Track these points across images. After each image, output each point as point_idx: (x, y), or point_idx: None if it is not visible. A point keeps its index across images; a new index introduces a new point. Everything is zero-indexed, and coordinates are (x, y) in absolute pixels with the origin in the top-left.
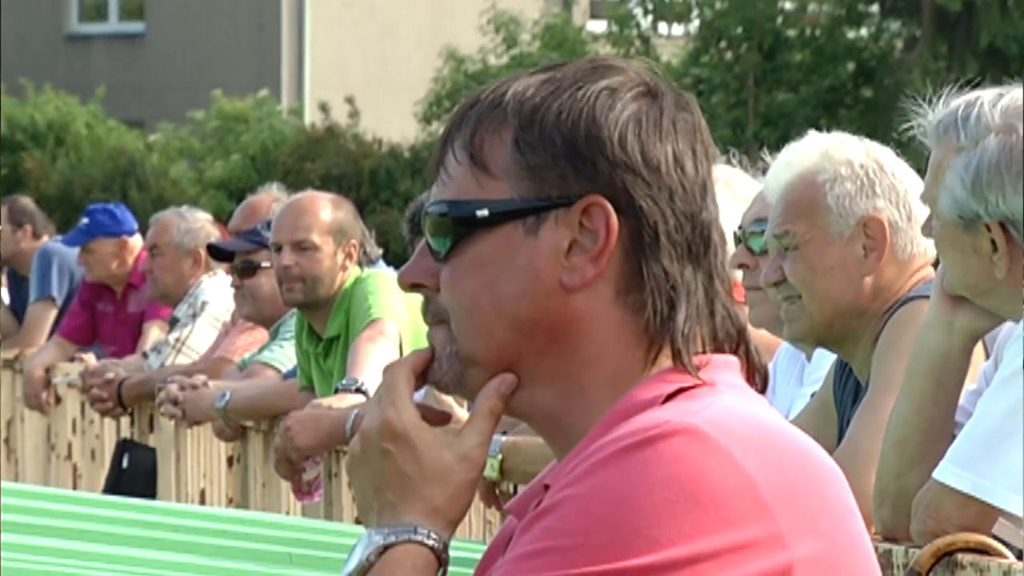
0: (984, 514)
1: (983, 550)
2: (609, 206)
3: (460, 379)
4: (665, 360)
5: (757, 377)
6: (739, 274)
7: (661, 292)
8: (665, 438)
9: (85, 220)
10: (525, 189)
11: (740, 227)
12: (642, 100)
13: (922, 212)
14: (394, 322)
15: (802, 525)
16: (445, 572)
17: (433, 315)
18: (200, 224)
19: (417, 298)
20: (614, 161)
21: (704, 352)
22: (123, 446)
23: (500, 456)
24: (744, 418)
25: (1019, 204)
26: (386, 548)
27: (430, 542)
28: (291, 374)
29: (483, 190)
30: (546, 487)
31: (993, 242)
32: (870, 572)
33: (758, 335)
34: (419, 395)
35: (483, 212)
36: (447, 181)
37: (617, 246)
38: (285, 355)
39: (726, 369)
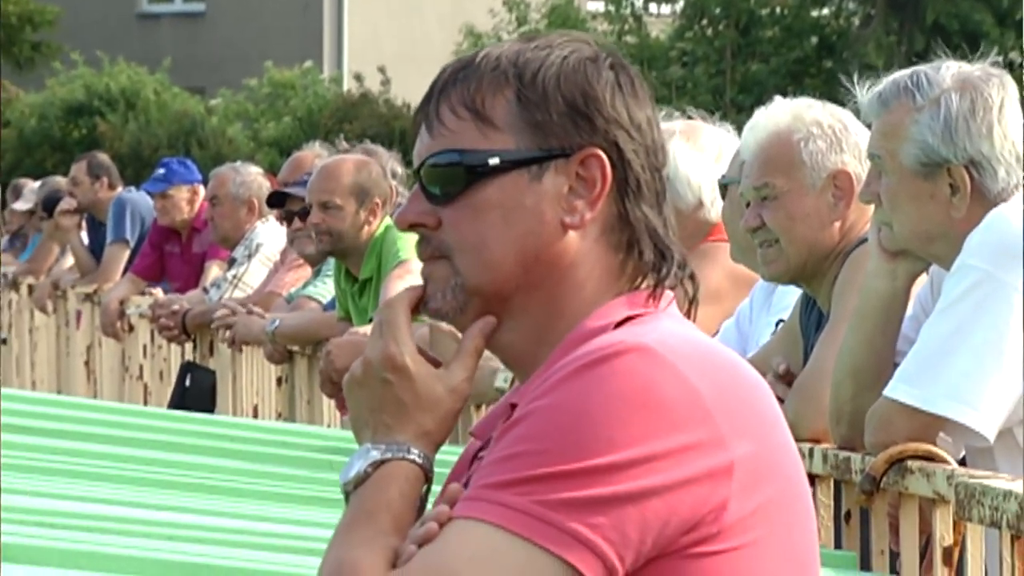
0: (929, 425)
1: (929, 457)
2: (604, 157)
3: (462, 308)
4: (617, 297)
5: (693, 308)
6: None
7: (641, 233)
8: (620, 355)
9: (161, 170)
10: (528, 141)
11: (723, 176)
12: (616, 69)
13: None
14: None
15: (739, 429)
16: (430, 487)
17: (433, 251)
18: (252, 177)
19: None
20: (608, 118)
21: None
22: (186, 368)
23: None
24: (686, 339)
25: (984, 146)
26: (382, 463)
27: (420, 460)
28: (331, 306)
29: (489, 141)
30: (512, 406)
31: (952, 186)
32: (797, 473)
33: (719, 267)
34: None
35: (494, 160)
36: (447, 134)
37: (605, 191)
38: (327, 290)
39: (666, 300)
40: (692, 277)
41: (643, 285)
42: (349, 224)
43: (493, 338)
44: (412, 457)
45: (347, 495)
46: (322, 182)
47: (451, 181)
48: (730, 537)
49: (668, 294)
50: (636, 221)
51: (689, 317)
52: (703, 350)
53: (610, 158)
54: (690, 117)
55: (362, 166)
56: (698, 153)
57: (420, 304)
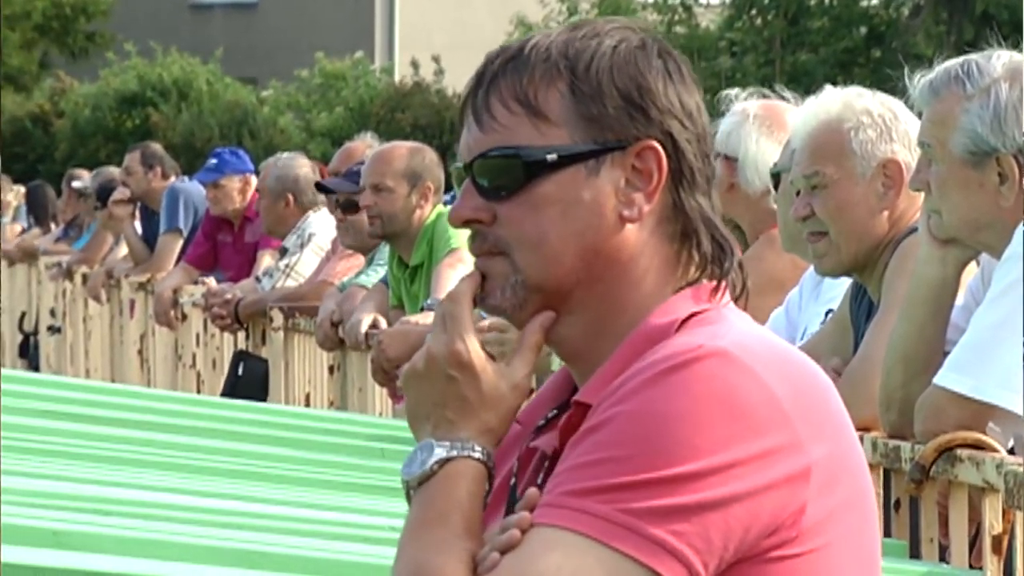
0: (979, 413)
1: (979, 446)
2: (660, 149)
3: (522, 305)
4: (680, 291)
5: (744, 297)
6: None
7: (697, 222)
8: (700, 360)
9: (214, 160)
10: (583, 134)
11: (775, 164)
12: (664, 56)
13: None
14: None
15: (814, 432)
16: (492, 482)
17: (491, 247)
18: (290, 170)
19: None
20: (662, 109)
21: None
22: (239, 356)
23: None
24: (761, 340)
25: (1021, 136)
26: (447, 460)
27: (484, 458)
28: None
29: (544, 136)
30: (577, 404)
31: (1000, 175)
32: (863, 469)
33: (784, 256)
34: None
35: (552, 156)
36: (500, 129)
37: (661, 183)
38: (379, 278)
39: (725, 293)
40: (741, 266)
41: (702, 276)
42: (400, 207)
43: (552, 332)
44: (477, 455)
45: (408, 490)
46: (375, 165)
47: (507, 177)
48: (807, 540)
49: (723, 285)
50: (691, 211)
51: (739, 305)
52: (778, 352)
53: (665, 149)
54: (766, 96)
55: (415, 152)
56: (770, 138)
57: (477, 298)
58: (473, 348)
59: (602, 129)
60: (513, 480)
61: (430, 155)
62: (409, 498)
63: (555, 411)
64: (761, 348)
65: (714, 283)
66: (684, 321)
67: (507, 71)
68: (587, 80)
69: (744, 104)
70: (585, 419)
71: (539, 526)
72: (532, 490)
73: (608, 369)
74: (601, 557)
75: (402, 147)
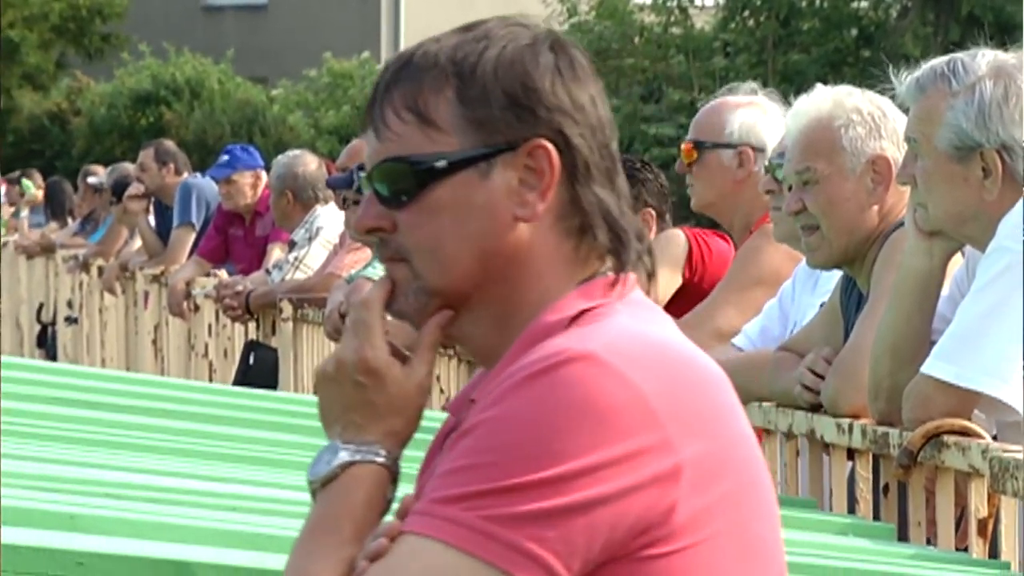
0: (965, 400)
1: (965, 432)
2: (551, 147)
3: (423, 309)
4: (581, 286)
5: (653, 283)
6: (766, 197)
7: (595, 216)
8: (565, 364)
9: (225, 157)
10: (473, 139)
11: (768, 160)
12: (556, 51)
13: None
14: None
15: (688, 430)
16: (396, 483)
17: (392, 253)
18: (293, 168)
19: None
20: (550, 107)
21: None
22: (250, 346)
23: None
24: (636, 337)
25: (1016, 132)
26: (351, 464)
27: (387, 462)
28: None
29: (434, 144)
30: (472, 401)
31: (984, 169)
32: (752, 461)
33: (782, 247)
34: None
35: (442, 163)
36: (394, 138)
37: (554, 180)
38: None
39: (627, 285)
40: (650, 251)
41: (603, 269)
42: None
43: (457, 330)
44: (380, 460)
45: (314, 492)
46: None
47: (403, 185)
48: (681, 537)
49: (630, 276)
50: (589, 205)
51: (650, 294)
52: (654, 349)
53: (556, 146)
54: (755, 92)
55: None
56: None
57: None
58: (380, 355)
59: (491, 132)
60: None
61: None
62: (314, 498)
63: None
64: (634, 348)
65: (611, 276)
66: (575, 318)
67: (399, 79)
68: (473, 84)
69: (762, 97)
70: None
71: (406, 534)
72: (407, 496)
73: (500, 367)
74: (462, 564)
75: None
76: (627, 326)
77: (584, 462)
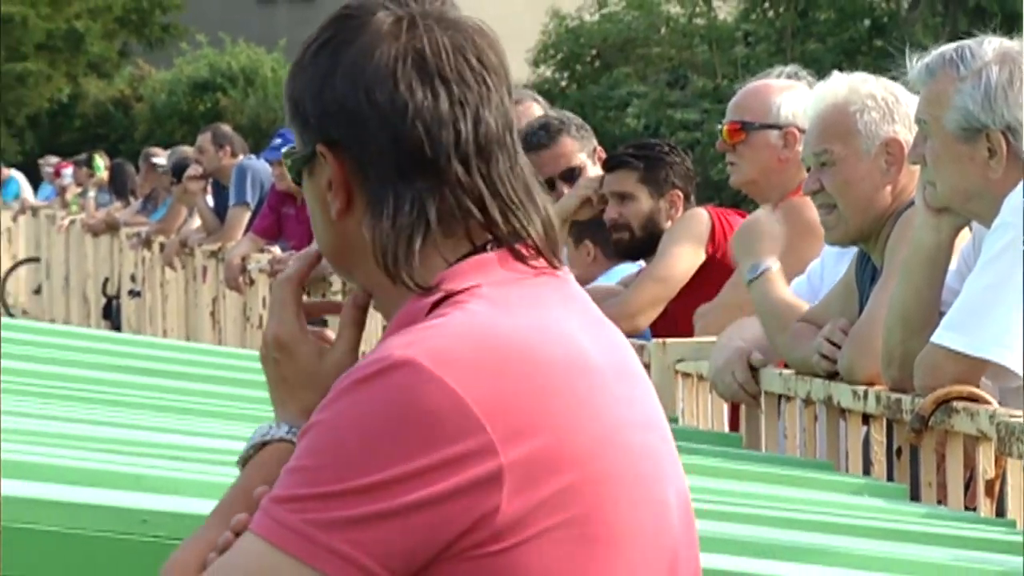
0: (973, 368)
1: (973, 398)
2: (326, 149)
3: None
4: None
5: (552, 257)
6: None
7: (377, 206)
8: (388, 371)
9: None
10: (299, 143)
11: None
12: (324, 54)
13: None
14: None
15: (514, 431)
16: None
17: None
18: None
19: None
20: (314, 114)
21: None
22: None
23: None
24: (472, 336)
25: (1020, 114)
26: (263, 445)
27: (294, 439)
28: None
29: (297, 144)
30: None
31: (990, 149)
32: (606, 453)
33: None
34: None
35: (289, 163)
36: None
37: (350, 179)
38: None
39: (484, 268)
40: (545, 224)
41: (483, 245)
42: None
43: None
44: (289, 437)
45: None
46: None
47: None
48: (509, 536)
49: (488, 258)
50: (371, 197)
51: (548, 260)
52: (489, 348)
53: (334, 147)
54: (795, 75)
55: None
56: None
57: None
58: (289, 329)
59: (301, 140)
60: None
61: None
62: None
63: None
64: (464, 350)
65: (486, 255)
66: (437, 303)
67: None
68: (287, 94)
69: (802, 82)
70: None
71: (248, 531)
72: (260, 488)
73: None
74: (283, 564)
75: None
76: (469, 322)
77: (402, 468)
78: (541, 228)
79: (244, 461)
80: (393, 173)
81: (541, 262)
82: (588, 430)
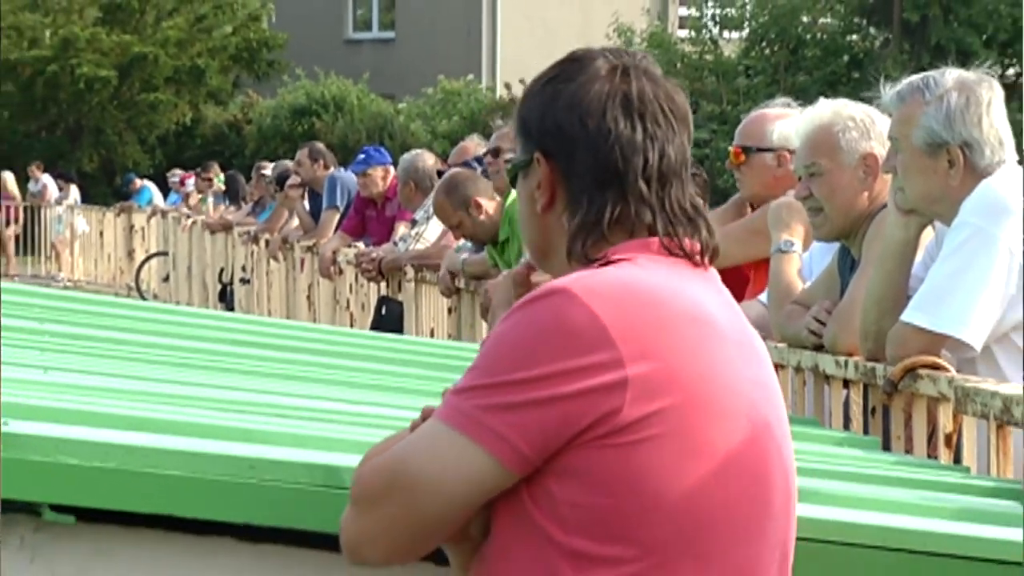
0: (936, 342)
1: (936, 367)
2: (541, 158)
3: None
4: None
5: (706, 251)
6: None
7: (574, 207)
8: (543, 297)
9: (362, 156)
10: (520, 150)
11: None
12: (551, 75)
13: None
14: None
15: (641, 352)
16: None
17: None
18: (413, 163)
19: None
20: (537, 130)
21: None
22: (382, 300)
23: None
24: (618, 279)
25: (975, 132)
26: None
27: None
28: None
29: (519, 151)
30: None
31: (950, 161)
32: (710, 384)
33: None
34: None
35: (509, 166)
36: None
37: (556, 183)
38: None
39: (640, 250)
40: (696, 225)
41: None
42: (470, 226)
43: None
44: None
45: None
46: (437, 213)
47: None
48: (627, 434)
49: (649, 242)
50: (573, 200)
51: (697, 255)
52: (628, 288)
53: (546, 159)
54: (788, 105)
55: (453, 187)
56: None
57: None
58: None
59: (522, 147)
60: None
61: (464, 178)
62: None
63: None
64: (606, 287)
65: (641, 240)
66: (603, 264)
67: None
68: (518, 113)
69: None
70: None
71: (431, 419)
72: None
73: None
74: (453, 441)
75: (439, 191)
76: (617, 272)
77: (548, 368)
78: (699, 243)
79: None
80: (591, 183)
81: (693, 260)
82: (696, 366)
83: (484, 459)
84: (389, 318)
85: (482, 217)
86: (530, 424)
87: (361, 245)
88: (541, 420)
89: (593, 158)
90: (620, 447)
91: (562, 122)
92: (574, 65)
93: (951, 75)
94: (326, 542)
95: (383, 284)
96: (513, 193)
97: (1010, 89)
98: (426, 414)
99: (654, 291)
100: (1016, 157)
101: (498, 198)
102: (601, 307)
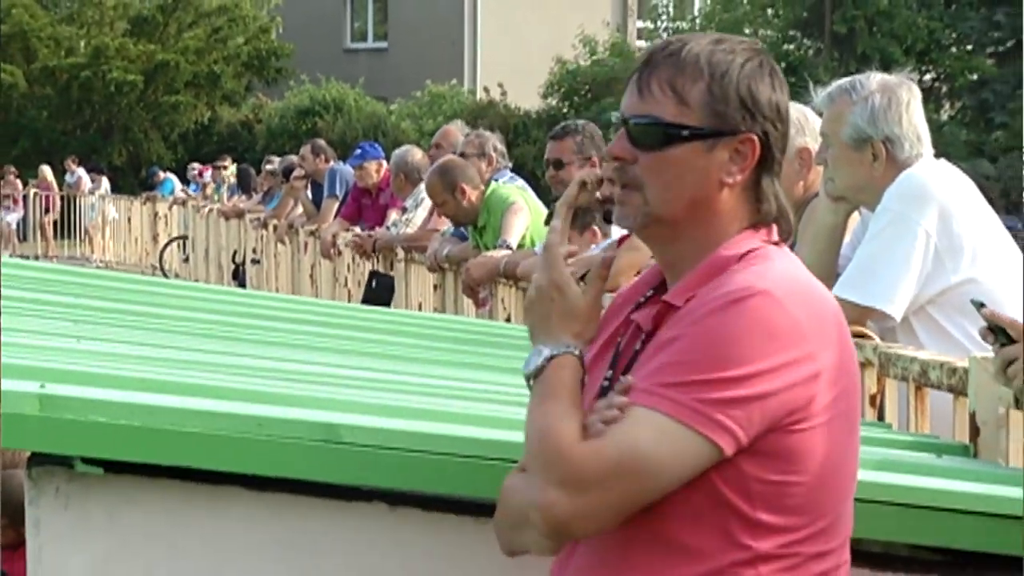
0: (862, 314)
1: (862, 335)
2: (757, 142)
3: (645, 226)
4: (744, 231)
5: (788, 238)
6: None
7: (768, 194)
8: (749, 297)
9: (359, 151)
10: (709, 121)
11: None
12: (773, 74)
13: None
14: (524, 201)
15: (824, 344)
16: (584, 369)
17: (629, 180)
18: (404, 157)
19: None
20: (766, 115)
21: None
22: (373, 274)
23: None
24: (792, 277)
25: (896, 129)
26: (552, 357)
27: (578, 353)
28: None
29: (683, 116)
30: (664, 303)
31: (874, 155)
32: (857, 366)
33: None
34: None
35: (686, 132)
36: (652, 102)
37: (756, 163)
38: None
39: (772, 234)
40: (788, 220)
41: (753, 223)
42: (453, 207)
43: (659, 249)
44: (572, 350)
45: (528, 381)
46: (427, 191)
47: (652, 137)
48: (815, 418)
49: (774, 228)
50: (766, 186)
51: (784, 243)
52: (802, 286)
53: (760, 142)
54: None
55: (444, 172)
56: None
57: (613, 216)
58: (566, 277)
59: (722, 121)
60: (620, 339)
61: (453, 165)
62: (529, 387)
63: (651, 292)
64: (790, 284)
65: (761, 228)
66: (743, 255)
67: (668, 62)
68: (720, 85)
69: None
70: (667, 318)
71: (635, 406)
72: (626, 379)
73: (689, 282)
74: (680, 431)
75: (433, 173)
76: (784, 268)
77: (758, 366)
78: (784, 220)
79: (537, 373)
80: (778, 168)
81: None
82: (849, 349)
83: (708, 447)
84: (380, 289)
85: (464, 202)
86: (751, 416)
87: (357, 229)
88: (760, 411)
89: (782, 144)
90: (806, 431)
91: (775, 105)
92: (743, 44)
93: (875, 79)
94: (323, 490)
95: (376, 261)
96: (492, 185)
97: (927, 92)
98: (621, 404)
99: (816, 286)
100: (932, 151)
101: (481, 187)
102: (795, 307)
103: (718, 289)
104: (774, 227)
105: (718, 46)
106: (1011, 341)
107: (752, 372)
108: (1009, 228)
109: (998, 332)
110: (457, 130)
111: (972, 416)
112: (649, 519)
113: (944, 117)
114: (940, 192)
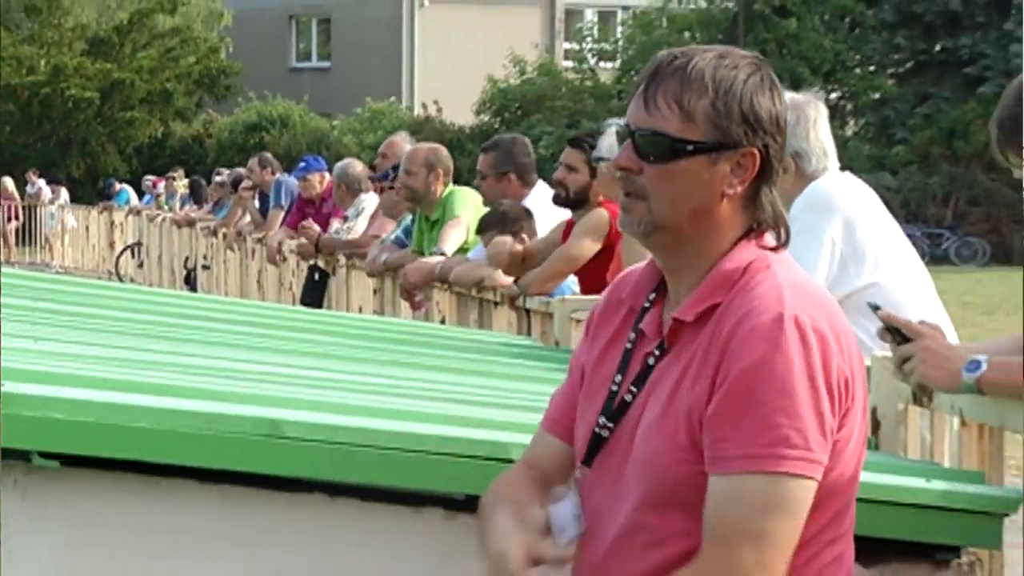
0: None
1: None
2: (758, 155)
3: (649, 235)
4: (741, 239)
5: (787, 243)
6: None
7: (766, 205)
8: (787, 333)
9: (303, 164)
10: (712, 135)
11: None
12: (773, 88)
13: None
14: (466, 217)
15: (848, 358)
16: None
17: (636, 190)
18: (346, 170)
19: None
20: (766, 129)
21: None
22: (313, 268)
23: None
24: (823, 298)
25: (804, 144)
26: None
27: None
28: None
29: (687, 131)
30: (677, 320)
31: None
32: (858, 349)
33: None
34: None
35: (691, 147)
36: (658, 115)
37: (755, 175)
38: (405, 236)
39: (755, 242)
40: (785, 226)
41: (757, 232)
42: (420, 183)
43: (663, 255)
44: None
45: None
46: (408, 158)
47: (657, 149)
48: (846, 424)
49: (768, 236)
50: (764, 195)
51: (778, 250)
52: (819, 298)
53: (761, 155)
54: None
55: (434, 149)
56: None
57: (620, 223)
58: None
59: (725, 135)
60: (629, 344)
61: (444, 153)
62: None
63: (653, 294)
64: (823, 306)
65: (757, 237)
66: (745, 269)
67: (673, 76)
68: (724, 102)
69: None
70: (680, 336)
71: (745, 475)
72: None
73: (696, 297)
74: (794, 483)
75: (424, 146)
76: (788, 279)
77: (822, 403)
78: (783, 226)
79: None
80: (776, 180)
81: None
82: (853, 334)
83: (812, 485)
84: (319, 284)
85: (432, 187)
86: (825, 445)
87: (303, 239)
88: (830, 440)
89: (779, 155)
90: (842, 441)
91: (774, 119)
92: (746, 58)
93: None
94: (268, 482)
95: (318, 262)
96: (452, 187)
97: (833, 109)
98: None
99: (816, 284)
100: (837, 164)
101: (448, 186)
102: (830, 328)
103: (740, 309)
104: (769, 233)
105: (722, 61)
106: (906, 340)
107: (816, 410)
108: (909, 236)
109: (894, 332)
110: (403, 140)
111: (873, 411)
112: (689, 508)
113: (849, 133)
114: (845, 203)
